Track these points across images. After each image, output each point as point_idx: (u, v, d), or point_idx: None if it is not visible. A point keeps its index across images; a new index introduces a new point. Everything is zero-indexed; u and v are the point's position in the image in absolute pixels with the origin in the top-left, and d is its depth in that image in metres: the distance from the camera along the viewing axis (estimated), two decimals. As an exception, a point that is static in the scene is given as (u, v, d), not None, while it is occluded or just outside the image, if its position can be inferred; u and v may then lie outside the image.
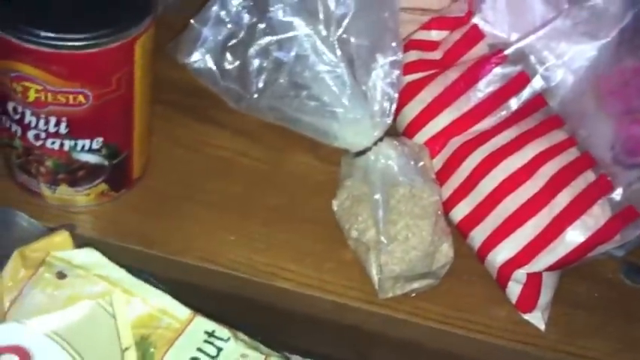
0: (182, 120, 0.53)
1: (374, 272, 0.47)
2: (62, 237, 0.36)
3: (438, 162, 0.51)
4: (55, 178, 0.44)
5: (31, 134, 0.41)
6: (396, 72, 0.49)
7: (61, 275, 0.36)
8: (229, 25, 0.45)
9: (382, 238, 0.45)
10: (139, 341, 0.37)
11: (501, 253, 0.48)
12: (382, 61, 0.47)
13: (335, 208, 0.50)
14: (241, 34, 0.45)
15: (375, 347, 0.51)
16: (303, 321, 0.49)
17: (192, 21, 0.45)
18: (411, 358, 0.51)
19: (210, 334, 0.38)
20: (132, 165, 0.47)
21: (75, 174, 0.44)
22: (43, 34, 0.36)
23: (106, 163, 0.45)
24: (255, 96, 0.46)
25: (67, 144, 0.42)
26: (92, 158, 0.44)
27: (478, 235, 0.49)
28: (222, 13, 0.45)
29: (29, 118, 0.40)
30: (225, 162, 0.53)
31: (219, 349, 0.39)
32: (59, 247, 0.36)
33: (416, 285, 0.47)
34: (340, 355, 0.52)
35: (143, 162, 0.48)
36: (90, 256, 0.36)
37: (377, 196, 0.46)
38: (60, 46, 0.37)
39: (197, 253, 0.47)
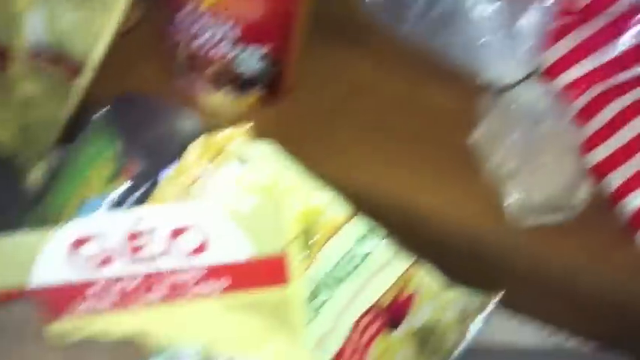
0: (332, 44, 0.55)
1: (510, 202, 0.48)
2: (244, 128, 0.39)
3: (578, 105, 0.52)
4: (217, 84, 0.47)
5: (201, 40, 0.44)
6: (547, 13, 0.50)
7: (240, 161, 0.38)
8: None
9: (524, 169, 0.46)
10: (302, 232, 0.40)
11: (638, 199, 0.49)
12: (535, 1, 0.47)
13: (474, 140, 0.51)
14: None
15: (502, 276, 0.52)
16: (433, 246, 0.51)
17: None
18: (537, 289, 0.52)
19: (367, 233, 0.41)
20: (285, 78, 0.49)
21: (235, 81, 0.47)
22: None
23: (264, 73, 0.47)
24: (408, 26, 0.48)
25: (234, 51, 0.44)
26: (253, 67, 0.46)
27: (615, 179, 0.50)
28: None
29: (203, 23, 0.43)
30: (367, 87, 0.54)
31: (373, 248, 0.41)
32: (241, 135, 0.39)
33: (550, 218, 0.48)
34: (462, 278, 0.53)
35: (294, 77, 0.51)
36: (268, 148, 0.39)
37: (519, 131, 0.47)
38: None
39: (337, 168, 0.50)
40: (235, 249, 0.37)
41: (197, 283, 0.37)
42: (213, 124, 0.49)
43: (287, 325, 0.38)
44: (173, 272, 0.37)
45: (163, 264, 0.36)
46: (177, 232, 0.37)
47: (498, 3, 0.48)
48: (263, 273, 0.37)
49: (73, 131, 0.46)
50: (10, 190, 0.43)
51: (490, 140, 0.51)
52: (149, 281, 0.36)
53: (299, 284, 0.38)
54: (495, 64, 0.50)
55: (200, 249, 0.37)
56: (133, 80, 0.49)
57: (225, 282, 0.37)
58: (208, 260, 0.37)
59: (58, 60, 0.44)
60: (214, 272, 0.37)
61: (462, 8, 0.48)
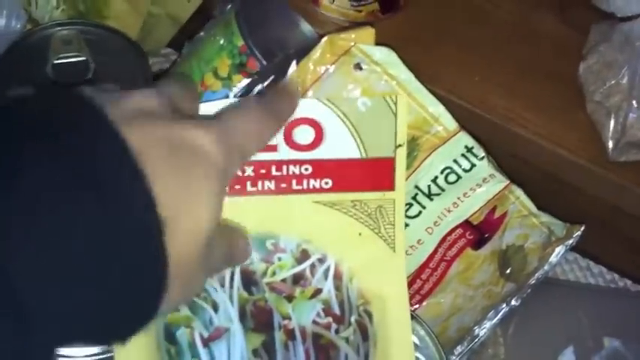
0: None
1: (611, 134, 0.48)
2: (368, 32, 0.40)
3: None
4: (338, -10, 0.48)
5: (333, -60, 0.45)
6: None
7: (358, 67, 0.40)
8: None
9: (633, 102, 0.47)
10: (409, 141, 0.41)
11: None
12: None
13: (581, 70, 0.51)
14: None
15: (588, 210, 0.53)
16: (528, 171, 0.52)
17: None
18: (618, 228, 0.53)
19: (469, 150, 0.42)
20: (402, -9, 0.50)
21: (355, -11, 0.48)
22: None
23: (385, -17, 0.48)
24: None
25: (358, -42, 0.45)
26: (376, -25, 0.47)
27: None
28: None
29: None
30: (478, 9, 0.55)
31: (473, 165, 0.43)
32: (363, 40, 0.40)
33: (650, 156, 0.48)
34: (549, 207, 0.55)
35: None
36: (387, 54, 0.40)
37: (634, 64, 0.47)
38: None
39: (444, 85, 0.51)
40: (346, 149, 0.38)
41: (305, 177, 0.38)
42: (329, 31, 0.51)
43: (385, 230, 0.39)
44: (282, 163, 0.38)
45: (275, 155, 0.38)
46: (292, 125, 0.38)
47: None
48: (369, 176, 0.39)
49: (193, 27, 0.49)
50: (138, 70, 0.46)
51: (599, 71, 0.51)
52: (259, 170, 0.38)
53: (402, 191, 0.39)
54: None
55: (313, 145, 0.38)
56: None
57: (331, 180, 0.38)
58: (319, 156, 0.38)
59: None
60: (323, 168, 0.38)
61: None
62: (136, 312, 0.27)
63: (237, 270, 0.38)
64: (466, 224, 0.44)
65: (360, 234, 0.39)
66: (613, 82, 0.49)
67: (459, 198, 0.43)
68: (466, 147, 0.42)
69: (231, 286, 0.38)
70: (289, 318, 0.38)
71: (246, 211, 0.37)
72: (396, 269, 0.39)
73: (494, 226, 0.44)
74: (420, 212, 0.43)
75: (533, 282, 0.44)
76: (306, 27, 0.49)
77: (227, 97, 0.42)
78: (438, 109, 0.41)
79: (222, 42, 0.45)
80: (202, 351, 0.38)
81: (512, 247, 0.45)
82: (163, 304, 0.27)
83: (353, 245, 0.39)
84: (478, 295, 0.44)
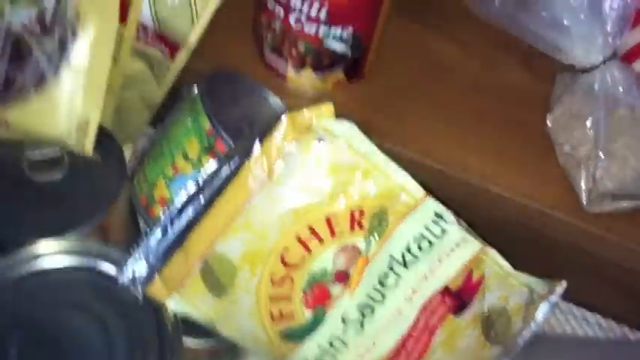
0: (409, 25, 0.57)
1: (583, 186, 0.49)
2: (327, 108, 0.41)
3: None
4: (303, 62, 0.49)
5: (292, 17, 0.46)
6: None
7: (320, 141, 0.40)
8: None
9: (600, 154, 0.47)
10: (378, 212, 0.42)
11: None
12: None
13: (549, 121, 0.52)
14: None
15: (569, 261, 0.53)
16: (502, 225, 0.52)
17: None
18: (604, 276, 0.53)
19: (438, 216, 0.42)
20: (367, 58, 0.51)
21: (321, 60, 0.49)
22: None
23: (349, 52, 0.49)
24: (497, 4, 0.49)
25: (322, 30, 0.46)
26: (339, 46, 0.48)
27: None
28: None
29: (295, 1, 0.45)
30: (444, 69, 0.56)
31: (444, 231, 0.42)
32: (323, 115, 0.41)
33: (625, 204, 0.49)
34: (529, 263, 0.55)
35: (374, 58, 0.52)
36: (348, 127, 0.41)
37: (598, 114, 0.48)
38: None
39: (414, 148, 0.51)
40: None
41: None
42: (297, 102, 0.52)
43: None
44: None
45: None
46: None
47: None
48: None
49: (166, 109, 0.50)
50: (113, 163, 0.47)
51: (566, 122, 0.52)
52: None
53: None
54: (576, 46, 0.50)
55: None
56: (224, 56, 0.52)
57: None
58: None
59: (159, 38, 0.47)
60: None
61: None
62: None
63: None
64: (445, 291, 0.43)
65: None
66: (580, 133, 0.50)
67: (434, 265, 0.43)
68: (435, 213, 0.42)
69: None
70: (2, 15, 0.42)
71: None
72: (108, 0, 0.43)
73: (473, 290, 0.44)
74: (397, 281, 0.42)
75: (521, 342, 0.44)
76: (274, 100, 0.50)
77: (197, 180, 0.43)
78: (403, 177, 0.41)
79: (189, 124, 0.45)
80: None
81: (495, 310, 0.44)
82: None
83: None
84: (464, 362, 0.44)
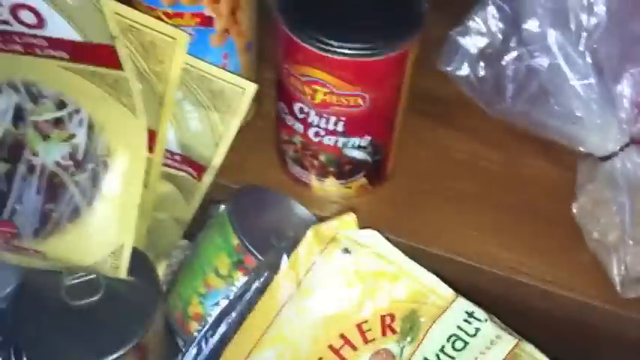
0: (428, 125, 0.58)
1: (615, 272, 0.48)
2: (350, 218, 0.42)
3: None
4: (325, 171, 0.51)
5: (311, 132, 0.48)
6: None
7: (346, 251, 0.41)
8: (485, 36, 0.49)
9: (628, 240, 0.47)
10: (409, 315, 0.42)
11: None
12: (631, 69, 0.48)
13: (575, 210, 0.52)
14: (496, 44, 0.49)
15: (609, 347, 0.52)
16: (537, 317, 0.52)
17: (451, 33, 0.50)
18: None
19: (470, 315, 0.43)
20: (388, 162, 0.52)
21: (342, 168, 0.50)
22: (337, 44, 0.43)
23: (369, 159, 0.50)
24: (508, 101, 0.50)
25: (341, 141, 0.48)
26: (359, 154, 0.49)
27: None
28: (479, 26, 0.49)
29: (313, 117, 0.47)
30: (465, 164, 0.57)
31: (477, 329, 0.43)
32: (347, 226, 0.42)
33: (658, 288, 0.48)
34: (568, 352, 0.54)
35: (395, 161, 0.54)
36: (372, 236, 0.42)
37: (623, 200, 0.48)
38: (351, 55, 0.43)
39: (443, 245, 0.52)
40: (67, 32, 0.41)
41: (44, 47, 0.42)
42: (323, 209, 0.53)
43: (125, 99, 0.44)
44: (19, 34, 0.42)
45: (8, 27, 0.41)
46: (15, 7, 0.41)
47: (592, 74, 0.50)
48: (97, 56, 0.42)
49: (198, 226, 0.52)
50: (147, 284, 0.48)
51: (592, 210, 0.52)
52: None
53: (132, 72, 0.42)
54: (592, 136, 0.51)
55: (38, 25, 0.41)
56: (250, 170, 0.53)
57: (67, 53, 0.42)
58: (48, 34, 0.41)
59: (186, 162, 0.50)
60: (56, 43, 0.42)
61: (557, 82, 0.50)
62: None
63: (12, 105, 0.45)
64: (483, 388, 0.43)
65: (104, 98, 0.44)
66: (606, 220, 0.50)
67: (471, 363, 0.43)
68: (467, 312, 0.43)
69: (3, 119, 0.45)
70: (37, 155, 0.46)
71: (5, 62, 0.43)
72: (136, 131, 0.45)
73: (511, 385, 0.44)
74: (433, 383, 0.43)
75: None
76: (301, 209, 0.52)
77: (228, 296, 0.44)
78: (431, 280, 0.42)
79: (219, 241, 0.47)
80: None
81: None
82: None
83: (101, 105, 0.44)
84: None
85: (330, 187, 0.52)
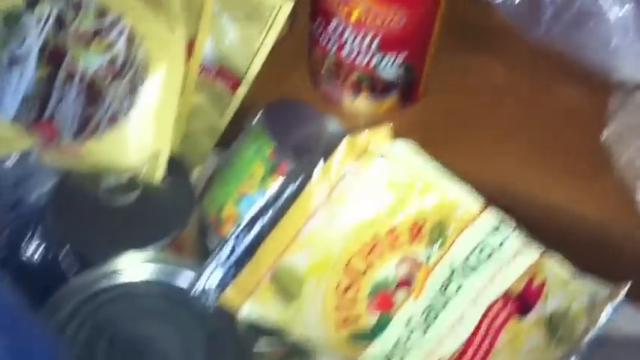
0: (463, 50, 0.58)
1: (641, 197, 0.49)
2: (385, 130, 0.43)
3: None
4: (358, 90, 0.52)
5: (346, 49, 0.49)
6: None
7: (379, 161, 0.42)
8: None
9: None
10: (437, 224, 0.43)
11: None
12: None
13: (604, 135, 0.53)
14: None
15: (630, 269, 0.53)
16: (563, 238, 0.53)
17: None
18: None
19: (497, 226, 0.43)
20: (420, 83, 0.53)
21: (375, 86, 0.51)
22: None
23: (402, 78, 0.51)
24: (545, 26, 0.50)
25: (375, 59, 0.49)
26: (392, 73, 0.50)
27: None
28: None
29: (348, 35, 0.47)
30: (495, 88, 0.57)
31: (504, 240, 0.43)
32: (381, 136, 0.43)
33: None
34: (592, 270, 0.55)
35: (427, 83, 0.54)
36: (405, 146, 0.43)
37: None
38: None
39: (469, 168, 0.53)
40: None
41: None
42: (354, 126, 0.54)
43: (165, 15, 0.45)
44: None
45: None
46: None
47: (632, 4, 0.50)
48: None
49: (230, 135, 0.53)
50: (182, 187, 0.50)
51: (622, 136, 0.53)
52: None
53: None
54: (628, 64, 0.51)
55: None
56: (282, 87, 0.54)
57: None
58: None
59: (221, 74, 0.51)
60: None
61: (596, 10, 0.50)
62: None
63: (54, 12, 0.46)
64: (507, 296, 0.44)
65: (145, 10, 0.45)
66: (637, 145, 0.50)
67: (496, 272, 0.44)
68: (495, 223, 0.43)
69: (45, 25, 0.47)
70: (77, 62, 0.47)
71: None
72: (175, 42, 0.46)
73: (535, 295, 0.45)
74: (459, 289, 0.44)
75: (585, 343, 0.44)
76: (332, 125, 0.52)
77: (262, 200, 0.45)
78: (461, 191, 0.43)
79: (254, 149, 0.48)
80: (5, 69, 0.47)
81: (558, 313, 0.45)
82: None
83: (141, 16, 0.46)
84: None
85: (362, 105, 0.53)
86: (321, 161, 0.43)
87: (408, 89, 0.52)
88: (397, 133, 0.54)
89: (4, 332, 0.28)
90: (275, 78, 0.54)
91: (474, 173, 0.52)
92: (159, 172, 0.48)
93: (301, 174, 0.44)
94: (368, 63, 0.49)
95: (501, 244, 0.44)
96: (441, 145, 0.54)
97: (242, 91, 0.51)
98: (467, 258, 0.43)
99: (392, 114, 0.53)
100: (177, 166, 0.50)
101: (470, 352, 0.43)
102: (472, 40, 0.59)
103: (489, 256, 0.43)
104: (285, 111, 0.51)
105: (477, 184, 0.52)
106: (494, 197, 0.52)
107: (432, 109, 0.55)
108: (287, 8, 0.47)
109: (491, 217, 0.44)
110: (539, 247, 0.44)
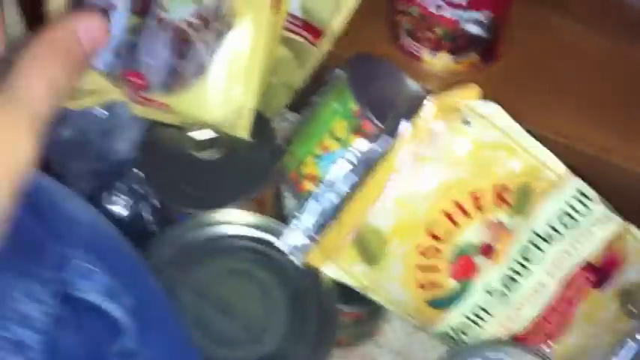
0: (537, 5, 0.58)
1: None
2: (472, 90, 0.43)
3: None
4: (439, 45, 0.52)
5: (432, 3, 0.48)
6: None
7: (466, 122, 0.43)
8: None
9: None
10: (522, 188, 0.44)
11: None
12: None
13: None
14: None
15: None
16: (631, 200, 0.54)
17: None
18: None
19: (582, 193, 0.44)
20: (500, 42, 0.53)
21: (456, 43, 0.51)
22: None
23: (484, 35, 0.51)
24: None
25: (460, 14, 0.48)
26: (475, 30, 0.50)
27: None
28: None
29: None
30: (572, 47, 0.57)
31: (587, 208, 0.44)
32: (469, 97, 0.43)
33: None
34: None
35: (506, 42, 0.54)
36: (492, 107, 0.43)
37: None
38: None
39: (546, 125, 0.52)
40: None
41: None
42: (431, 84, 0.54)
43: None
44: None
45: None
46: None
47: None
48: None
49: (305, 91, 0.53)
50: (266, 142, 0.51)
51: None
52: None
53: None
54: None
55: None
56: (360, 42, 0.54)
57: None
58: None
59: (304, 27, 0.51)
60: None
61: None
62: None
63: None
64: (586, 265, 0.45)
65: None
66: None
67: (576, 240, 0.44)
68: (578, 190, 0.44)
69: None
70: (166, 10, 0.46)
71: None
72: None
73: (614, 265, 0.45)
74: (540, 256, 0.44)
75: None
76: (411, 83, 0.53)
77: (348, 157, 0.46)
78: (546, 155, 0.43)
79: (336, 106, 0.48)
80: None
81: (634, 284, 0.46)
82: None
83: None
84: (604, 333, 0.45)
85: (442, 61, 0.53)
86: (407, 121, 0.44)
87: (488, 47, 0.52)
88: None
89: (130, 292, 0.29)
90: (354, 31, 0.54)
91: (544, 130, 0.53)
92: (244, 127, 0.49)
93: (388, 133, 0.45)
94: (453, 17, 0.49)
95: (585, 212, 0.44)
96: (515, 101, 0.54)
97: (324, 44, 0.51)
98: (549, 225, 0.44)
99: (470, 72, 0.53)
100: (261, 120, 0.51)
101: (548, 319, 0.45)
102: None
103: (573, 222, 0.44)
104: (365, 67, 0.51)
105: (554, 143, 0.53)
106: (564, 158, 0.53)
107: (507, 65, 0.55)
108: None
109: (575, 183, 0.44)
110: (619, 218, 0.45)
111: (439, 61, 0.52)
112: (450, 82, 0.53)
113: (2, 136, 0.25)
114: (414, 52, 0.53)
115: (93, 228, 0.31)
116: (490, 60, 0.53)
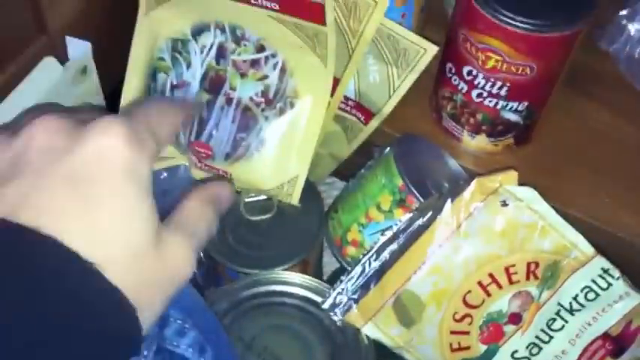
0: (571, 93, 0.62)
1: None
2: (511, 174, 0.48)
3: None
4: (478, 129, 0.56)
5: (474, 92, 0.53)
6: None
7: (504, 203, 0.47)
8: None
9: None
10: (552, 265, 0.48)
11: None
12: None
13: None
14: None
15: None
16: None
17: (620, 15, 0.54)
18: None
19: (605, 271, 0.48)
20: (535, 126, 0.57)
21: (495, 128, 0.56)
22: (520, 18, 0.48)
23: (521, 122, 0.55)
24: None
25: (501, 104, 0.53)
26: (513, 117, 0.54)
27: None
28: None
29: (480, 80, 0.52)
30: (602, 132, 0.61)
31: (609, 285, 0.48)
32: (508, 181, 0.47)
33: None
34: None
35: (541, 126, 0.58)
36: (529, 192, 0.47)
37: None
38: (531, 29, 0.48)
39: (576, 207, 0.57)
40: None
41: None
42: (470, 163, 0.59)
43: (319, 51, 0.49)
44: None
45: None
46: None
47: None
48: (306, 10, 0.47)
49: (349, 164, 0.58)
50: (314, 208, 0.55)
51: None
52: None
53: (332, 28, 0.47)
54: None
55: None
56: (405, 122, 0.59)
57: (278, 4, 0.47)
58: None
59: (357, 107, 0.56)
60: None
61: None
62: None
63: (216, 43, 0.52)
64: (605, 336, 0.49)
65: (301, 47, 0.50)
66: None
67: (597, 313, 0.48)
68: (603, 269, 0.48)
69: (207, 54, 0.52)
70: (235, 89, 0.52)
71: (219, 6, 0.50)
72: (324, 80, 0.51)
73: (632, 337, 0.49)
74: (563, 326, 0.49)
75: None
76: (451, 162, 0.57)
77: (388, 228, 0.50)
78: (575, 236, 0.48)
79: (383, 181, 0.53)
80: (168, 93, 0.54)
81: (649, 359, 0.49)
82: (145, 322, 0.28)
83: (296, 53, 0.50)
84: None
85: (480, 143, 0.57)
86: (449, 199, 0.48)
87: (524, 132, 0.56)
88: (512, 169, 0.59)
89: (212, 345, 0.33)
90: (400, 111, 0.59)
91: (575, 212, 0.57)
92: (296, 195, 0.54)
93: (431, 209, 0.49)
94: (494, 106, 0.53)
95: (607, 288, 0.48)
96: (548, 183, 0.58)
97: (374, 124, 0.56)
98: (574, 298, 0.48)
99: (506, 153, 0.58)
100: (310, 187, 0.56)
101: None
102: (585, 86, 0.62)
103: (595, 298, 0.48)
104: (411, 145, 0.56)
105: (583, 224, 0.57)
106: (593, 239, 0.56)
107: (541, 149, 0.59)
108: (431, 53, 0.51)
109: (600, 262, 0.48)
110: (638, 293, 0.48)
111: (477, 143, 0.57)
112: (485, 161, 0.59)
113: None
114: (455, 134, 0.58)
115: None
116: (524, 142, 0.58)
